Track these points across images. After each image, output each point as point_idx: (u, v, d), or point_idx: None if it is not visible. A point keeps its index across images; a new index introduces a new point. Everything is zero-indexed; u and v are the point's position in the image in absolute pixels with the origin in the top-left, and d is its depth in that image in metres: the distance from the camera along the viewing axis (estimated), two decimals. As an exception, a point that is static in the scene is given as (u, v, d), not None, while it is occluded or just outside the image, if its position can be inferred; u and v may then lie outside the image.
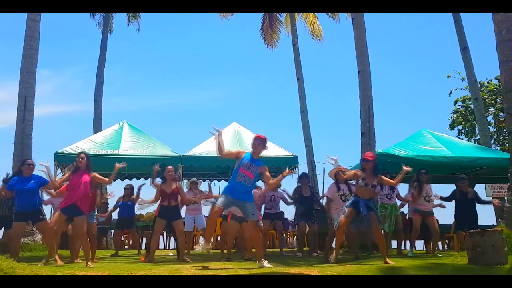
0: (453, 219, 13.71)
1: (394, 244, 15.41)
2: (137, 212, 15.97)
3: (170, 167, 12.01)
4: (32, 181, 10.39)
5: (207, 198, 13.90)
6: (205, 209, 13.99)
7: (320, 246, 13.60)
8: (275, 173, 20.62)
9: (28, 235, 14.62)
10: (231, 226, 12.03)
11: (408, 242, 14.52)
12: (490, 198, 14.38)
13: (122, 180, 20.71)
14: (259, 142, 9.28)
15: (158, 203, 11.89)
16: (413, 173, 12.90)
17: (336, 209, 11.94)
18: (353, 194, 10.27)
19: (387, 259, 9.60)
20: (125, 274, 7.59)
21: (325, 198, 13.45)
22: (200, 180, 16.89)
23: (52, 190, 11.84)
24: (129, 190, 15.02)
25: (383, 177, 10.25)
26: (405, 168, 10.05)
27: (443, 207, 13.59)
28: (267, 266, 8.72)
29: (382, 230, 12.33)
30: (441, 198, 13.68)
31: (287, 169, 9.48)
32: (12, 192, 10.68)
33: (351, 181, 12.21)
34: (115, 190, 14.71)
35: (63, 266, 9.70)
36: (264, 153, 15.43)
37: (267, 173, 9.25)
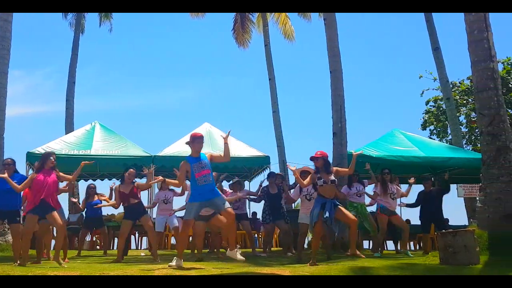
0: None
1: (366, 244, 15.44)
2: (109, 212, 15.89)
3: (132, 170, 11.88)
4: (14, 181, 10.25)
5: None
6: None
7: (294, 246, 13.61)
8: (247, 173, 20.72)
9: (0, 235, 14.44)
10: (199, 226, 11.93)
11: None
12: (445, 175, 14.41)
13: (94, 180, 20.70)
14: (199, 141, 9.19)
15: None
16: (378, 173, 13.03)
17: (304, 208, 11.94)
18: (318, 195, 10.19)
19: (356, 251, 9.65)
20: (96, 274, 7.54)
21: (291, 190, 13.51)
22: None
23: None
24: (93, 189, 14.91)
25: (338, 168, 10.32)
26: (354, 153, 10.45)
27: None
28: (240, 257, 8.83)
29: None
30: (408, 206, 13.85)
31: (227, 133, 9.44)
32: None
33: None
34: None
35: (35, 267, 9.57)
36: (236, 153, 15.57)
37: (215, 154, 9.50)
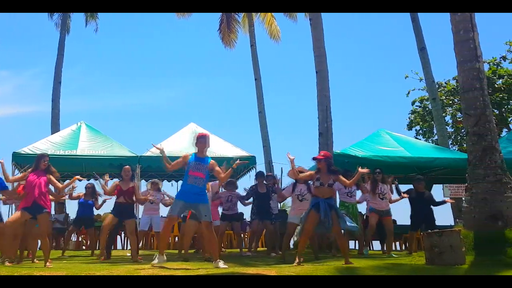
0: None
1: (352, 244, 15.43)
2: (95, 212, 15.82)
3: (127, 166, 12.03)
4: None
5: (165, 203, 13.90)
6: (164, 210, 13.90)
7: (280, 247, 13.61)
8: (232, 173, 20.66)
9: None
10: (190, 226, 11.93)
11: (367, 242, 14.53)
12: (445, 198, 14.44)
13: (80, 180, 20.50)
14: (201, 140, 9.37)
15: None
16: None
17: (295, 209, 11.87)
18: (312, 195, 10.14)
19: (349, 260, 9.56)
20: (82, 274, 7.52)
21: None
22: (162, 180, 16.88)
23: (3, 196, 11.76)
24: (90, 189, 14.83)
25: (340, 177, 9.95)
26: (360, 170, 9.78)
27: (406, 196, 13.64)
28: (223, 267, 8.71)
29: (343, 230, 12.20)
30: (399, 191, 13.76)
31: (238, 161, 9.49)
32: None
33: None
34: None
35: (21, 266, 9.55)
36: (222, 153, 15.56)
37: (217, 168, 9.37)
